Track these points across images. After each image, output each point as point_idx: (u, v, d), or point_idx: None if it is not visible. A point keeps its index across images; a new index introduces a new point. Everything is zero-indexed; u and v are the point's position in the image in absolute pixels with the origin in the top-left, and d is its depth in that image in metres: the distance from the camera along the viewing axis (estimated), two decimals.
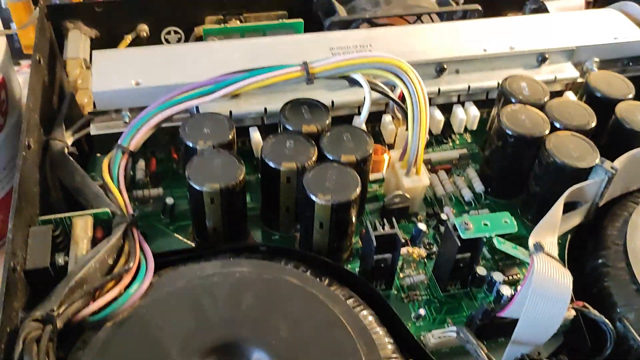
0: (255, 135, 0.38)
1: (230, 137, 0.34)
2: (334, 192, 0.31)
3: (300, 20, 0.44)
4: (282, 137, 0.34)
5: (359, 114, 0.39)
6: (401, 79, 0.35)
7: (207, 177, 0.31)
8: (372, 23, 0.44)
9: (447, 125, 0.41)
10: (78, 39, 0.42)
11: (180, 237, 0.36)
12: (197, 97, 0.35)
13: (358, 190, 0.31)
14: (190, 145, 0.33)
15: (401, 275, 0.34)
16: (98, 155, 0.39)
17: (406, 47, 0.40)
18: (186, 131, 0.34)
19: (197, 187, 0.31)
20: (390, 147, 0.40)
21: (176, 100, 0.35)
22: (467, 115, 0.40)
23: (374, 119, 0.40)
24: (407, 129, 0.38)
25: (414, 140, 0.35)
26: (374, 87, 0.36)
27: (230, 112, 0.37)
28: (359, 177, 0.32)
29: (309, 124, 0.35)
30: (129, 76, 0.37)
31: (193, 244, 0.35)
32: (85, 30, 0.43)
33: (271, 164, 0.32)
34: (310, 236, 0.33)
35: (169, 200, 0.36)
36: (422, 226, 0.35)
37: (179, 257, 0.32)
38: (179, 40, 0.46)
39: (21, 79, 0.43)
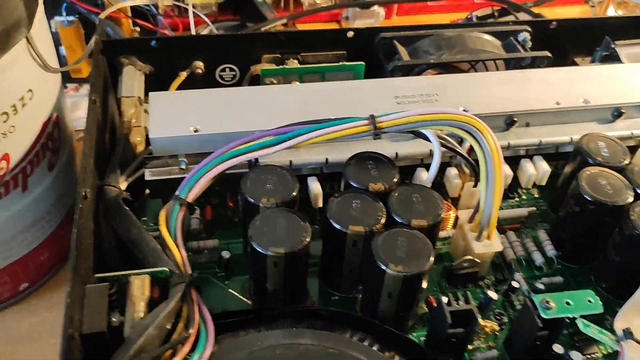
0: (315, 185, 0.36)
1: (294, 194, 0.32)
2: (406, 263, 0.29)
3: (362, 62, 0.42)
4: (348, 196, 0.32)
5: (422, 165, 0.37)
6: (475, 138, 0.33)
7: (271, 239, 0.30)
8: (436, 68, 0.42)
9: (514, 178, 0.39)
10: (133, 76, 0.41)
11: (236, 294, 0.34)
12: (259, 148, 0.34)
13: (432, 260, 0.29)
14: (252, 202, 0.32)
15: (470, 347, 0.32)
16: (147, 195, 0.38)
17: (474, 97, 0.39)
18: (248, 186, 0.32)
19: (261, 250, 0.29)
20: (454, 201, 0.38)
21: (237, 150, 0.34)
22: (536, 171, 0.38)
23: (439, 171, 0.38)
24: (475, 186, 0.37)
25: (487, 203, 0.33)
26: (443, 143, 0.35)
27: (291, 161, 0.36)
28: (431, 246, 0.30)
29: (376, 181, 0.33)
30: (186, 122, 0.36)
31: (249, 302, 0.34)
32: (140, 66, 0.42)
33: (337, 226, 0.31)
34: (375, 303, 0.31)
35: (225, 254, 0.34)
36: (492, 295, 0.32)
37: (237, 320, 0.30)
38: (233, 78, 0.44)
39: (68, 102, 0.42)
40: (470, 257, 0.33)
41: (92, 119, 0.35)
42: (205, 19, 0.55)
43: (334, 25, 0.69)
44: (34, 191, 0.37)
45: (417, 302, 0.31)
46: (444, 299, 0.30)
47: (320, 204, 0.36)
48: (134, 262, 0.33)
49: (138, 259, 0.32)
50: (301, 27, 0.62)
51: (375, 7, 0.64)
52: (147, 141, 0.39)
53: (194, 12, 0.62)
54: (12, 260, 0.38)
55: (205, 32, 0.61)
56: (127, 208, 0.33)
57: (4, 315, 0.41)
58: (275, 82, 0.42)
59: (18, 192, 0.36)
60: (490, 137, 0.33)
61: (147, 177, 0.36)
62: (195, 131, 0.35)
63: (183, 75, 0.42)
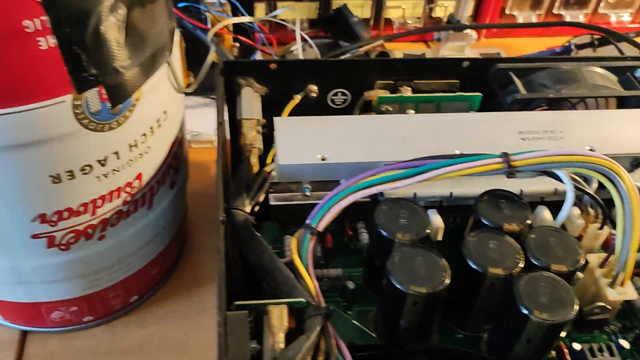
0: (436, 219, 0.36)
1: (429, 230, 0.32)
2: (550, 310, 0.28)
3: (479, 94, 0.42)
4: (484, 235, 0.32)
5: (542, 203, 0.37)
6: (610, 180, 0.33)
7: (411, 277, 0.29)
8: (554, 102, 0.42)
9: None
10: (251, 98, 0.41)
11: (361, 326, 0.34)
12: (390, 181, 0.34)
13: (576, 308, 0.29)
14: (387, 236, 0.32)
15: None
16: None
17: (598, 136, 0.38)
18: (381, 220, 0.32)
19: (401, 289, 0.29)
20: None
21: (369, 182, 0.34)
22: None
23: (557, 208, 0.38)
24: (601, 228, 0.36)
25: (624, 248, 0.32)
26: (574, 184, 0.34)
27: (415, 194, 0.36)
28: (574, 293, 0.29)
29: (510, 221, 0.32)
30: (313, 149, 0.36)
31: (374, 334, 0.34)
32: (257, 88, 0.42)
33: (475, 267, 0.30)
34: (509, 346, 0.30)
35: (350, 285, 0.34)
36: (624, 344, 0.32)
37: (368, 354, 0.30)
38: (344, 102, 0.44)
39: None
40: (602, 304, 0.33)
41: (221, 142, 0.36)
42: (307, 38, 0.55)
43: (422, 46, 0.69)
44: (156, 209, 0.38)
45: (552, 347, 0.31)
46: (578, 346, 0.29)
47: (441, 238, 0.36)
48: (259, 289, 0.34)
49: (265, 287, 0.32)
50: (389, 46, 0.62)
51: (468, 30, 0.63)
52: (261, 164, 0.39)
53: (289, 28, 0.62)
54: (129, 274, 0.39)
55: (294, 48, 0.62)
56: (257, 234, 0.33)
57: (114, 327, 0.41)
58: (390, 109, 0.42)
59: (144, 209, 0.36)
60: (627, 180, 0.32)
61: (272, 202, 0.36)
62: (323, 159, 0.35)
63: (297, 98, 0.43)
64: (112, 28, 0.28)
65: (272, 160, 0.41)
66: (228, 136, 0.42)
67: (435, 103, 0.42)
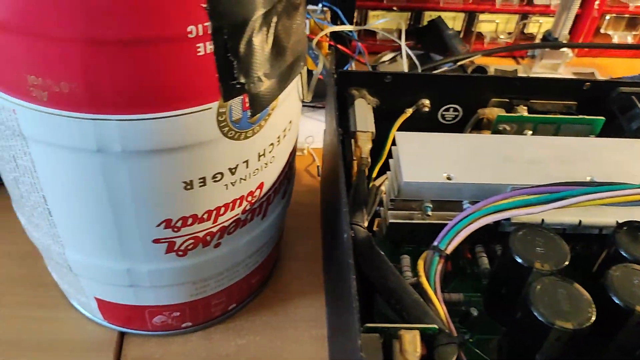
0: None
1: (567, 262, 0.30)
2: None
3: (602, 117, 0.40)
4: (629, 270, 0.30)
5: None
6: None
7: (555, 311, 0.28)
8: None
9: None
10: (365, 110, 0.40)
11: (483, 355, 0.33)
12: (523, 206, 0.32)
13: None
14: (524, 264, 0.30)
15: None
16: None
17: None
18: (517, 247, 0.31)
19: (545, 322, 0.28)
20: None
21: (501, 206, 0.32)
22: None
23: None
24: None
25: None
26: None
27: (542, 220, 0.34)
28: None
29: None
30: (438, 168, 0.34)
31: None
32: (369, 99, 0.41)
33: (620, 304, 0.29)
34: None
35: (474, 311, 0.33)
36: None
37: None
38: (454, 118, 0.43)
39: None
40: None
41: (341, 154, 0.35)
42: (409, 51, 0.54)
43: (511, 62, 0.67)
44: (269, 218, 0.37)
45: None
46: None
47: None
48: (371, 307, 0.33)
49: (392, 307, 0.31)
50: (478, 60, 0.60)
51: (565, 48, 0.61)
52: (369, 177, 0.39)
53: (382, 36, 0.61)
54: (233, 282, 0.38)
55: (386, 58, 0.61)
56: (382, 252, 0.32)
57: (210, 334, 0.41)
58: (508, 128, 0.40)
59: (259, 218, 0.36)
60: None
61: (390, 219, 0.35)
62: (448, 179, 0.34)
63: (409, 112, 0.41)
64: (262, 37, 0.27)
65: (377, 174, 0.41)
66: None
67: (555, 125, 0.41)
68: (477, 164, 0.35)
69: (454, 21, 0.64)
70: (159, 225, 0.31)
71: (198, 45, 0.25)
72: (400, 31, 0.64)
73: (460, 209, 0.35)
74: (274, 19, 0.28)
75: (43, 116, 0.26)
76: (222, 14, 0.25)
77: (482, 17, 0.63)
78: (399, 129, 0.41)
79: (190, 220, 0.32)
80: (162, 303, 0.37)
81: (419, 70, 0.51)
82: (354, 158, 0.38)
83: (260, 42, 0.27)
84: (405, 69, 0.49)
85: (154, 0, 0.23)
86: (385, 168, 0.40)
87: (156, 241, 0.32)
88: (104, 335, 0.40)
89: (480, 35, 0.65)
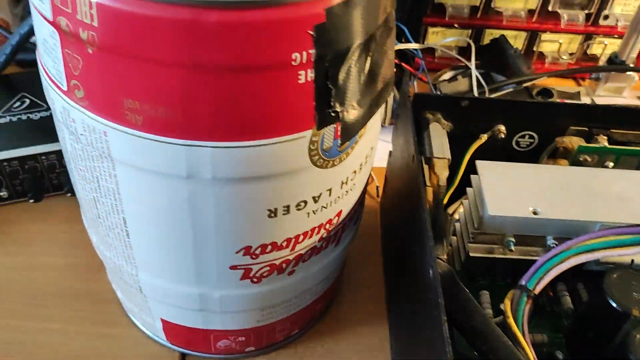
0: None
1: None
2: None
3: None
4: None
5: None
6: None
7: None
8: None
9: None
10: (441, 135, 0.39)
11: None
12: (617, 246, 0.31)
13: None
14: (620, 310, 0.29)
15: None
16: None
17: None
18: (613, 291, 0.29)
19: None
20: None
21: (593, 245, 0.31)
22: None
23: None
24: None
25: None
26: None
27: (632, 261, 0.33)
28: None
29: None
30: (523, 201, 0.33)
31: None
32: (443, 124, 0.40)
33: None
34: None
35: (559, 355, 0.32)
36: None
37: None
38: (529, 145, 0.41)
39: None
40: None
41: (422, 184, 0.33)
42: (477, 74, 0.52)
43: (572, 83, 0.65)
44: (341, 245, 0.36)
45: None
46: None
47: None
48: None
49: (478, 348, 0.30)
50: (539, 82, 0.59)
51: (631, 72, 0.59)
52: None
53: (442, 53, 0.60)
54: (299, 309, 0.37)
55: (446, 77, 0.59)
56: (466, 289, 0.31)
57: (272, 358, 0.40)
58: (588, 159, 0.39)
59: (332, 245, 0.35)
60: None
61: (472, 253, 0.34)
62: (534, 213, 0.33)
63: (484, 137, 0.40)
64: (360, 64, 0.26)
65: (448, 200, 0.39)
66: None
67: (638, 157, 0.39)
68: (563, 198, 0.34)
69: (515, 40, 0.62)
70: (238, 252, 0.30)
71: (300, 72, 0.24)
72: (458, 49, 0.63)
73: (543, 244, 0.34)
74: (373, 46, 0.27)
75: (135, 140, 0.25)
76: (328, 41, 0.24)
77: (544, 36, 0.62)
78: (473, 154, 0.39)
79: (269, 248, 0.31)
80: (229, 328, 0.36)
81: (486, 91, 0.50)
82: (428, 184, 0.37)
83: (358, 70, 0.26)
84: (476, 91, 0.48)
85: (263, 27, 0.22)
86: (456, 194, 0.39)
87: (233, 267, 0.31)
88: (166, 355, 0.39)
89: (541, 55, 0.63)
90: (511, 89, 0.53)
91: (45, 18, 0.24)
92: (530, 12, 0.61)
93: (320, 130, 0.27)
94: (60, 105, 0.27)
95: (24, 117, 0.46)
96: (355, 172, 0.32)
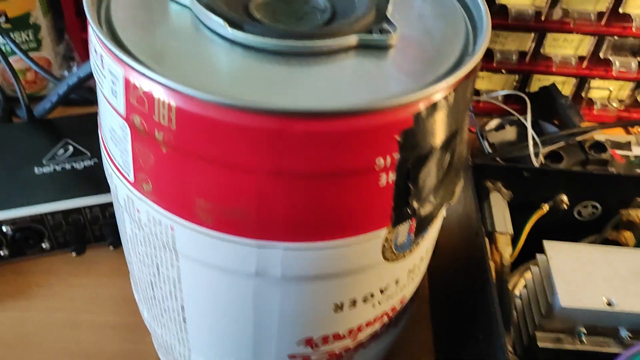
0: None
1: None
2: None
3: None
4: None
5: None
6: None
7: None
8: None
9: None
10: (502, 207, 0.37)
11: None
12: None
13: None
14: None
15: None
16: None
17: None
18: None
19: None
20: None
21: None
22: None
23: None
24: None
25: None
26: None
27: None
28: None
29: None
30: (596, 290, 0.31)
31: None
32: (504, 193, 0.38)
33: None
34: None
35: None
36: None
37: None
38: (591, 215, 0.40)
39: None
40: None
41: (489, 268, 0.32)
42: (534, 135, 0.50)
43: (620, 131, 0.63)
44: (400, 325, 0.34)
45: None
46: None
47: None
48: None
49: None
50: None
51: None
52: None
53: (487, 98, 0.59)
54: None
55: (493, 125, 0.58)
56: None
57: None
58: None
59: (392, 328, 0.33)
60: None
61: (540, 343, 0.32)
62: (609, 304, 0.31)
63: (545, 207, 0.38)
64: (442, 160, 0.25)
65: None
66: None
67: None
68: (638, 287, 0.32)
69: (564, 85, 0.60)
70: (299, 342, 0.29)
71: (381, 175, 0.23)
72: (504, 95, 0.61)
73: (616, 335, 0.32)
74: (456, 139, 0.25)
75: (204, 238, 0.24)
76: (414, 145, 0.23)
77: (594, 83, 0.60)
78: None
79: (331, 339, 0.29)
80: None
81: (540, 146, 0.48)
82: (489, 258, 0.36)
83: (438, 166, 0.25)
84: (531, 148, 0.46)
85: (350, 135, 0.21)
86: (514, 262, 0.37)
87: (292, 357, 0.30)
88: None
89: (590, 101, 0.61)
90: (562, 143, 0.52)
91: (116, 111, 0.23)
92: (581, 59, 0.59)
93: (395, 228, 0.25)
94: (124, 194, 0.26)
95: (67, 166, 0.45)
96: (422, 258, 0.30)
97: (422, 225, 0.27)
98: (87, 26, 0.23)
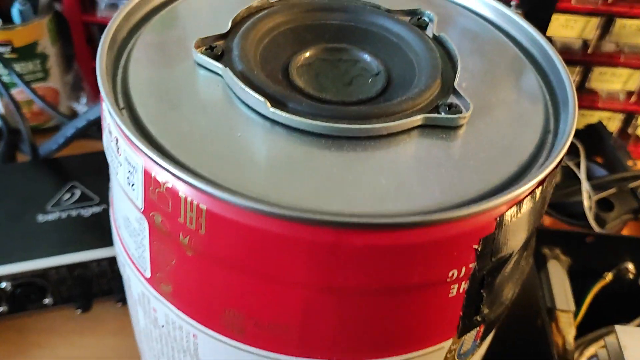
0: None
1: None
2: None
3: None
4: None
5: None
6: None
7: None
8: None
9: None
10: (562, 278, 0.33)
11: None
12: None
13: None
14: None
15: None
16: None
17: None
18: None
19: None
20: None
21: None
22: None
23: None
24: None
25: None
26: None
27: None
28: None
29: None
30: None
31: None
32: (562, 260, 0.34)
33: None
34: None
35: None
36: None
37: None
38: None
39: None
40: None
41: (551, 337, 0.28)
42: (589, 189, 0.46)
43: None
44: None
45: None
46: None
47: None
48: None
49: None
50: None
51: None
52: None
53: None
54: None
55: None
56: None
57: None
58: None
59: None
60: None
61: None
62: None
63: (608, 277, 0.34)
64: (517, 262, 0.21)
65: None
66: None
67: None
68: None
69: (609, 121, 0.56)
70: None
71: (453, 286, 0.19)
72: None
73: None
74: (533, 239, 0.21)
75: (234, 351, 0.20)
76: (493, 252, 0.19)
77: None
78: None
79: None
80: None
81: (591, 194, 0.44)
82: (553, 346, 0.31)
83: (514, 268, 0.21)
84: (585, 202, 0.42)
85: (418, 249, 0.17)
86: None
87: None
88: None
89: (637, 139, 0.57)
90: (613, 189, 0.47)
91: (133, 203, 0.19)
92: (629, 94, 0.55)
93: (461, 338, 0.21)
94: (138, 289, 0.22)
95: (73, 213, 0.41)
96: (481, 356, 0.26)
97: (490, 328, 0.23)
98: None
